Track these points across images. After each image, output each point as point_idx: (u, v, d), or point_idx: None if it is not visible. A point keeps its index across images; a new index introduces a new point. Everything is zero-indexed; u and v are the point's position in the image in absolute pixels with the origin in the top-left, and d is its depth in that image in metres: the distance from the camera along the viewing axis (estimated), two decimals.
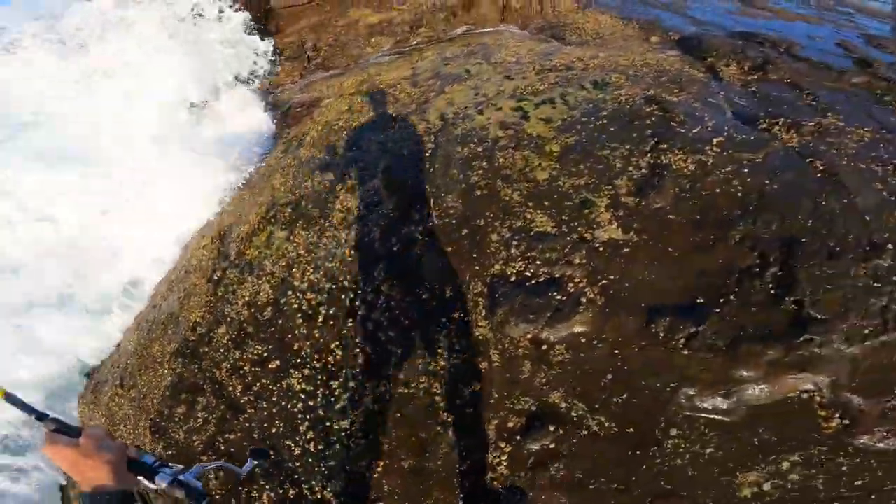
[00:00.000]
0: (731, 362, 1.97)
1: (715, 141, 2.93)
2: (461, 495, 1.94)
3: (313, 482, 2.11)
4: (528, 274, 2.38)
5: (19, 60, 4.75)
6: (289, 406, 2.34)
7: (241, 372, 2.59)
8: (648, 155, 2.91)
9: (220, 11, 5.31)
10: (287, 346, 2.60)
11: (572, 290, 2.28)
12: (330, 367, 2.41)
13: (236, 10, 5.38)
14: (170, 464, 0.96)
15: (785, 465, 1.84)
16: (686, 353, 2.05)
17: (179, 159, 4.05)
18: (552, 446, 1.95)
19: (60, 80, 4.59)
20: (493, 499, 1.89)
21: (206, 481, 2.06)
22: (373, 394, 2.25)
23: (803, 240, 2.26)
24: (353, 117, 4.09)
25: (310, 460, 2.16)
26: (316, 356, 2.48)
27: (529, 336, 2.21)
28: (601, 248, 2.42)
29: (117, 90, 4.56)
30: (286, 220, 3.39)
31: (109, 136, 4.26)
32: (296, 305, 2.74)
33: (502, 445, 1.98)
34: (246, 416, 2.38)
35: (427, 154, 3.22)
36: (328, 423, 2.22)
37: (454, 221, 2.70)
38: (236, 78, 5.16)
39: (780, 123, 3.20)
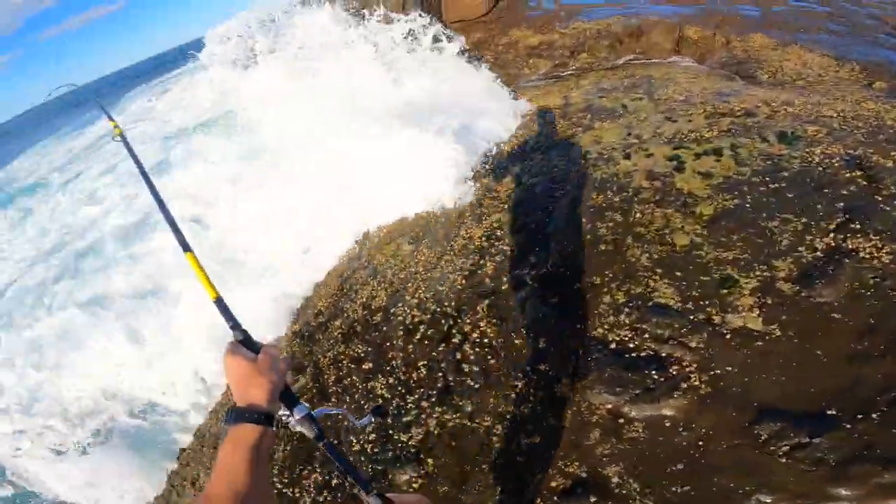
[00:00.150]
0: (834, 479, 1.65)
1: None
2: None
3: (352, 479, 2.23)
4: (631, 345, 2.14)
5: (256, 78, 5.04)
6: (365, 406, 2.49)
7: (340, 364, 2.83)
8: (831, 235, 2.37)
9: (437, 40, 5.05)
10: (383, 352, 2.76)
11: (675, 372, 2.00)
12: (412, 382, 2.49)
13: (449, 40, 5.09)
14: (308, 409, 1.00)
15: None
16: (784, 461, 1.70)
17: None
18: None
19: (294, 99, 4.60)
20: None
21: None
22: (438, 418, 2.28)
23: None
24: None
25: (362, 458, 2.28)
26: (403, 369, 2.59)
27: (609, 406, 2.01)
28: (728, 336, 2.06)
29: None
30: (415, 235, 3.60)
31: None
32: (401, 318, 2.90)
33: (538, 501, 1.87)
34: (329, 404, 2.60)
35: (559, 195, 3.10)
36: (390, 432, 2.31)
37: (569, 273, 2.55)
38: None
39: None
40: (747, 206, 2.60)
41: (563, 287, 2.50)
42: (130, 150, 1.56)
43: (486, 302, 2.65)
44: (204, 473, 3.10)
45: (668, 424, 1.96)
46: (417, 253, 3.40)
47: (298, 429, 0.97)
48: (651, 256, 2.45)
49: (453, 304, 2.77)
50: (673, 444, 1.90)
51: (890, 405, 1.78)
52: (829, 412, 1.82)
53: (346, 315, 3.21)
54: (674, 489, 1.78)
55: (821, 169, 2.79)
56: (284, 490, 2.38)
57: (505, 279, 2.71)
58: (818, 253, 2.29)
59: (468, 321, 2.63)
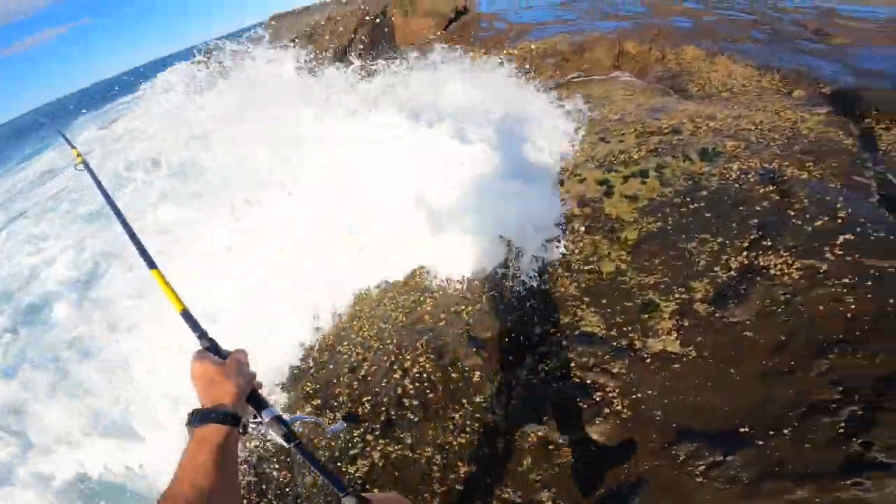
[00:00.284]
0: (747, 497, 1.73)
1: (840, 240, 2.39)
2: None
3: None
4: (557, 374, 2.21)
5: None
6: (315, 441, 2.50)
7: (307, 394, 2.84)
8: (745, 253, 2.48)
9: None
10: (331, 389, 2.77)
11: (599, 398, 2.07)
12: (357, 417, 2.52)
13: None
14: (279, 412, 1.00)
15: None
16: (700, 480, 1.78)
17: None
18: None
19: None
20: None
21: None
22: (382, 450, 2.31)
23: None
24: None
25: (313, 490, 2.29)
26: (349, 405, 2.61)
27: (540, 434, 2.08)
28: (648, 360, 2.14)
29: None
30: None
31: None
32: (346, 356, 2.91)
33: None
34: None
35: None
36: (338, 464, 2.34)
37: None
38: None
39: None
40: (669, 228, 2.71)
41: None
42: (94, 177, 1.55)
43: (425, 338, 2.69)
44: None
45: (593, 448, 2.03)
46: (372, 291, 3.41)
47: (268, 431, 0.98)
48: (580, 286, 2.53)
49: (395, 341, 2.79)
50: (599, 466, 1.98)
51: (801, 420, 1.87)
52: (741, 430, 1.91)
53: (322, 347, 3.21)
54: None
55: (737, 186, 2.92)
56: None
57: (443, 315, 2.75)
58: (732, 272, 2.40)
59: (409, 357, 2.66)
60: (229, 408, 0.87)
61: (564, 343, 2.30)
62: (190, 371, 0.92)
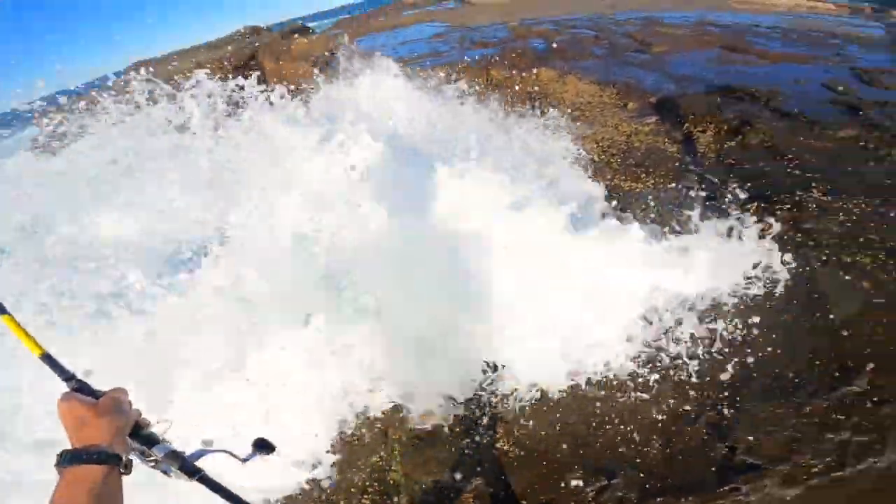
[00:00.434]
0: None
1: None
2: None
3: None
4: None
5: None
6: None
7: None
8: None
9: None
10: None
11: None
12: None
13: None
14: (174, 447, 0.98)
15: None
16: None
17: None
18: None
19: None
20: None
21: None
22: None
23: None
24: None
25: None
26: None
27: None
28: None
29: None
30: None
31: None
32: None
33: None
34: None
35: None
36: None
37: None
38: None
39: (752, 209, 3.04)
40: None
41: None
42: None
43: None
44: None
45: (490, 490, 2.20)
46: None
47: (168, 468, 0.96)
48: None
49: None
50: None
51: (664, 433, 2.18)
52: (619, 450, 2.20)
53: None
54: None
55: None
56: None
57: None
58: None
59: None
60: (104, 447, 0.84)
61: None
62: (58, 413, 0.89)
